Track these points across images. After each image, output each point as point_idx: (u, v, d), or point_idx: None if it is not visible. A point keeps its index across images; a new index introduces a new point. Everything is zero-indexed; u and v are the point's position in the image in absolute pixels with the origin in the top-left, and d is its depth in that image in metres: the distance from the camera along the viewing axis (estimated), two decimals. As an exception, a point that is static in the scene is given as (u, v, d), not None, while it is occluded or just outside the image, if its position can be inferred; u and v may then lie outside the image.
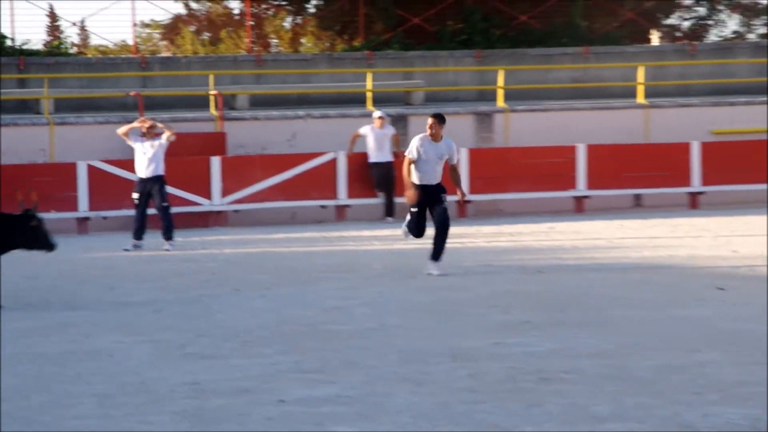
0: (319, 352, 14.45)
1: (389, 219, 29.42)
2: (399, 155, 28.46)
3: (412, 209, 20.92)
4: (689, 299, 17.56)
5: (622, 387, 12.25)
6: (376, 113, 29.87)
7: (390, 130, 29.77)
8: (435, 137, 20.71)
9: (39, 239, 18.70)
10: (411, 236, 21.29)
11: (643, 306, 17.17)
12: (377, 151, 29.37)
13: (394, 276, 20.20)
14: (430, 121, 20.83)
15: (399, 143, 29.54)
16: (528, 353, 14.05)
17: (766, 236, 23.90)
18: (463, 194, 21.43)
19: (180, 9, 39.41)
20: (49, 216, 28.77)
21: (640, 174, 31.30)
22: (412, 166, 20.66)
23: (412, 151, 20.67)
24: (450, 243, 20.74)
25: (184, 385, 12.83)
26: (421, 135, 20.94)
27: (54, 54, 36.46)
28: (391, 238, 26.28)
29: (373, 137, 29.47)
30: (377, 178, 29.53)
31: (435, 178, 20.75)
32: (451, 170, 21.10)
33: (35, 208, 18.85)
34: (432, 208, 20.76)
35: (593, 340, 14.85)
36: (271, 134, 32.05)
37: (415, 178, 20.63)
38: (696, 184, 31.49)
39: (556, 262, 19.04)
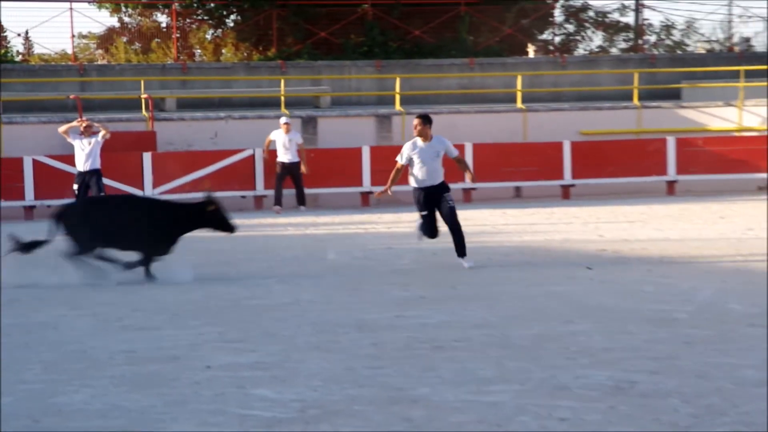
0: (241, 323, 14.37)
1: (302, 208, 29.36)
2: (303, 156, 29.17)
3: (422, 213, 19.36)
4: (562, 277, 17.61)
5: (505, 353, 12.24)
6: (283, 119, 29.82)
7: (296, 136, 29.65)
8: (424, 137, 19.26)
9: (221, 222, 19.03)
10: (425, 237, 19.68)
11: (523, 283, 17.21)
12: (284, 153, 29.30)
13: (307, 257, 20.12)
14: (415, 121, 19.43)
15: (303, 152, 29.71)
16: (423, 324, 14.02)
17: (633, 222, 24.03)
18: (473, 178, 20.66)
19: (114, 22, 39.08)
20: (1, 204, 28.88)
21: (520, 169, 31.49)
22: (412, 171, 19.32)
23: (403, 156, 19.45)
24: (355, 228, 20.68)
25: (121, 353, 12.72)
26: (412, 140, 19.54)
27: (1, 61, 36.13)
28: (303, 224, 26.27)
29: (281, 141, 29.41)
30: (283, 174, 29.44)
31: (436, 178, 19.20)
32: (457, 162, 19.99)
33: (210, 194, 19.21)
34: (440, 209, 19.17)
35: (480, 312, 14.85)
36: (196, 133, 32.05)
37: (414, 182, 19.25)
38: (567, 177, 31.70)
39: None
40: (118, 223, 18.54)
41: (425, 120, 19.41)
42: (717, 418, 9.59)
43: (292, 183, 29.68)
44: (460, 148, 30.60)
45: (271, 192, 29.97)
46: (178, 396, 10.62)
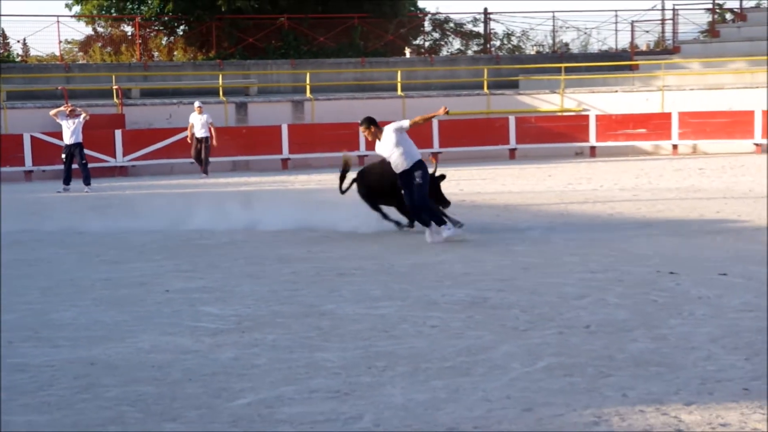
0: (192, 258, 14.31)
1: (204, 176, 29.06)
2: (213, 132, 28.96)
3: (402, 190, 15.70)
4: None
5: (389, 278, 12.26)
6: (196, 103, 29.44)
7: (207, 116, 29.27)
8: (377, 136, 15.52)
9: (440, 195, 16.41)
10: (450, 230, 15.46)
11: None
12: (200, 129, 28.95)
13: (237, 208, 19.95)
14: (361, 128, 15.75)
15: (212, 129, 29.15)
16: (328, 257, 14.02)
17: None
18: (446, 110, 15.53)
19: (90, 31, 38.57)
20: (4, 170, 28.65)
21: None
22: None
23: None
24: (274, 186, 20.46)
25: (101, 280, 12.64)
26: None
27: (5, 61, 35.70)
28: (238, 183, 26.10)
29: (196, 120, 29.05)
30: (197, 146, 29.04)
31: (403, 165, 15.32)
32: (418, 124, 15.87)
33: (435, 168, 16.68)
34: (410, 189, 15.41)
35: (369, 247, 14.90)
36: (155, 115, 31.75)
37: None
38: (436, 146, 31.76)
39: (345, 201, 18.88)
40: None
41: (367, 123, 15.61)
42: (546, 323, 9.69)
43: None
44: (355, 125, 30.64)
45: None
46: (144, 313, 10.59)
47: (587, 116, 32.59)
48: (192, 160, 29.43)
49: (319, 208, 18.87)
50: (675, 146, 31.53)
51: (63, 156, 26.26)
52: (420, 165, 15.43)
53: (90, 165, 26.76)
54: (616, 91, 33.67)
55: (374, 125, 15.53)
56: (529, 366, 8.30)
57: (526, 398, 7.44)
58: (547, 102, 34.26)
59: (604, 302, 10.58)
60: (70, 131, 26.00)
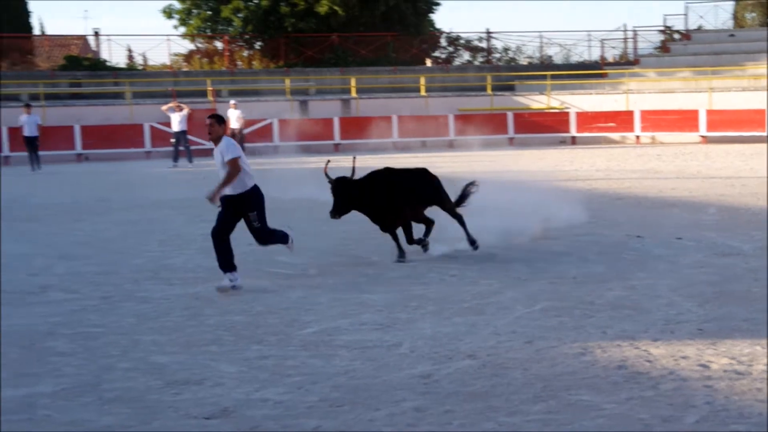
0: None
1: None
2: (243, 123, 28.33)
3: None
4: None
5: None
6: (231, 101, 28.86)
7: (239, 112, 28.29)
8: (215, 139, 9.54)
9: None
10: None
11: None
12: (233, 122, 27.75)
13: (304, 182, 19.76)
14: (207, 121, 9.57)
15: (243, 121, 28.45)
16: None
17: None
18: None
19: (192, 46, 38.74)
20: (130, 151, 28.94)
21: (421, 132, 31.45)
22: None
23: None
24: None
25: (201, 235, 12.49)
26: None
27: (131, 69, 35.89)
28: (300, 162, 26.03)
29: (232, 115, 27.90)
30: (232, 136, 28.18)
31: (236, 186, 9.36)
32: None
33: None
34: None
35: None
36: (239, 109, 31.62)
37: None
38: (451, 135, 31.65)
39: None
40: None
41: (216, 120, 9.67)
42: (542, 274, 9.60)
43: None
44: (388, 119, 30.66)
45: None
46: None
47: (568, 113, 32.33)
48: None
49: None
50: (638, 137, 31.23)
51: (172, 140, 26.50)
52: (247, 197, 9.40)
53: (192, 147, 26.88)
54: (591, 94, 33.40)
55: (220, 124, 9.66)
56: (529, 308, 8.26)
57: (528, 333, 7.41)
58: (536, 101, 34.01)
59: (586, 259, 10.50)
60: (177, 122, 26.30)
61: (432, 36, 40.87)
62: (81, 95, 32.54)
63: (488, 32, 40.01)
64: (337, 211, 10.37)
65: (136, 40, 48.65)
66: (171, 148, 26.53)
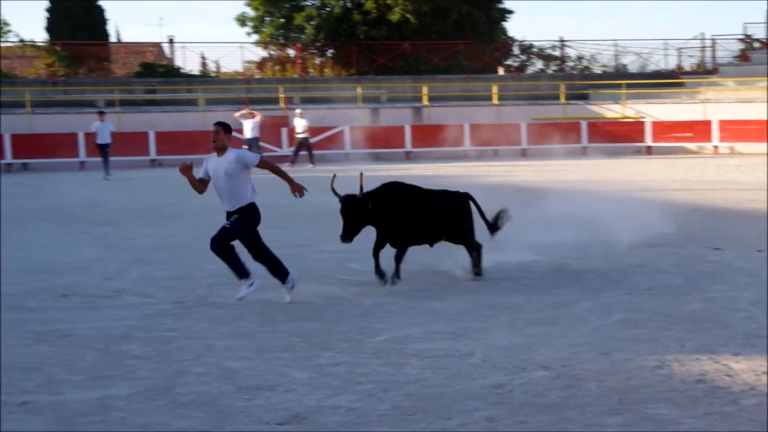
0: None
1: (309, 165, 28.50)
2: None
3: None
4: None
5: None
6: (297, 110, 28.85)
7: (305, 121, 28.09)
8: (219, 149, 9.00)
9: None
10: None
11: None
12: (300, 130, 28.01)
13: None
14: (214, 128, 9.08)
15: (308, 130, 28.26)
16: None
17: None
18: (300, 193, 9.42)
19: (264, 54, 39.21)
20: (203, 156, 29.17)
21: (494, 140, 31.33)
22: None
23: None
24: (400, 173, 19.84)
25: (273, 240, 12.55)
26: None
27: (205, 76, 36.41)
28: (370, 170, 26.09)
29: (298, 123, 28.09)
30: (299, 143, 28.05)
31: (234, 201, 9.06)
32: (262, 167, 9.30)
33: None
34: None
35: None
36: (310, 117, 31.56)
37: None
38: (524, 144, 31.51)
39: (459, 185, 18.53)
40: None
41: (224, 128, 9.07)
42: (616, 285, 9.46)
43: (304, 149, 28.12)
44: (460, 127, 30.62)
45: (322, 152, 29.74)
46: (305, 267, 10.45)
47: (644, 122, 31.99)
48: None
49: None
50: (716, 147, 30.72)
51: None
52: (241, 210, 9.08)
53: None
54: (667, 103, 32.98)
55: (227, 132, 9.08)
56: (604, 319, 8.16)
57: (603, 345, 7.31)
58: (611, 110, 33.69)
59: (662, 270, 10.34)
60: (249, 129, 26.55)
61: (505, 44, 40.71)
62: (155, 102, 33.09)
63: (562, 40, 39.72)
64: (348, 236, 9.53)
65: (210, 47, 49.17)
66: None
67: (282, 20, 39.00)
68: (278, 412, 5.90)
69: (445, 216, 10.00)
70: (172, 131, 30.28)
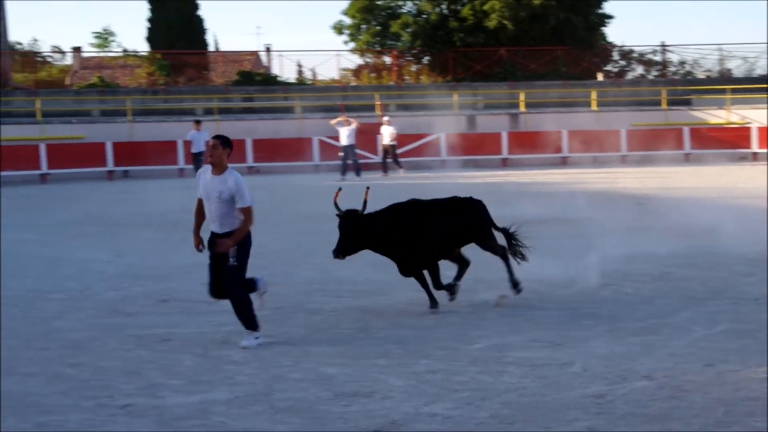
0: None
1: (397, 171, 27.91)
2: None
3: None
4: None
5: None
6: (385, 118, 28.48)
7: (393, 128, 27.63)
8: (217, 166, 8.03)
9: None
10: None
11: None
12: (387, 138, 27.57)
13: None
14: (212, 142, 8.07)
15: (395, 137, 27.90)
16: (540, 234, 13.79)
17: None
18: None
19: (360, 61, 39.48)
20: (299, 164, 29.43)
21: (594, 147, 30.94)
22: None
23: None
24: (497, 179, 19.78)
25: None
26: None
27: (301, 84, 36.83)
28: (468, 177, 25.90)
29: (386, 131, 27.67)
30: (386, 149, 27.74)
31: (224, 224, 8.00)
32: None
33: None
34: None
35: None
36: (407, 123, 31.44)
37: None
38: (624, 150, 30.94)
39: (556, 191, 18.43)
40: None
41: (224, 142, 8.13)
42: (721, 294, 9.23)
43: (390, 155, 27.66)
44: (558, 133, 30.29)
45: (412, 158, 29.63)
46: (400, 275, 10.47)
47: (749, 128, 31.19)
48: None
49: (534, 197, 18.55)
50: (827, 154, 29.89)
51: (340, 154, 26.87)
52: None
53: (360, 161, 26.99)
54: (774, 108, 32.15)
55: (225, 148, 8.12)
56: (708, 329, 7.98)
57: (708, 355, 7.15)
58: (715, 116, 32.93)
59: (769, 280, 10.05)
60: (345, 136, 26.58)
61: (604, 49, 40.20)
62: (252, 109, 33.58)
63: (663, 45, 39.07)
64: (341, 252, 8.87)
65: (306, 55, 49.90)
66: (339, 162, 26.88)
67: (378, 28, 39.25)
68: (375, 419, 5.92)
69: (458, 227, 9.35)
70: (269, 138, 30.69)
